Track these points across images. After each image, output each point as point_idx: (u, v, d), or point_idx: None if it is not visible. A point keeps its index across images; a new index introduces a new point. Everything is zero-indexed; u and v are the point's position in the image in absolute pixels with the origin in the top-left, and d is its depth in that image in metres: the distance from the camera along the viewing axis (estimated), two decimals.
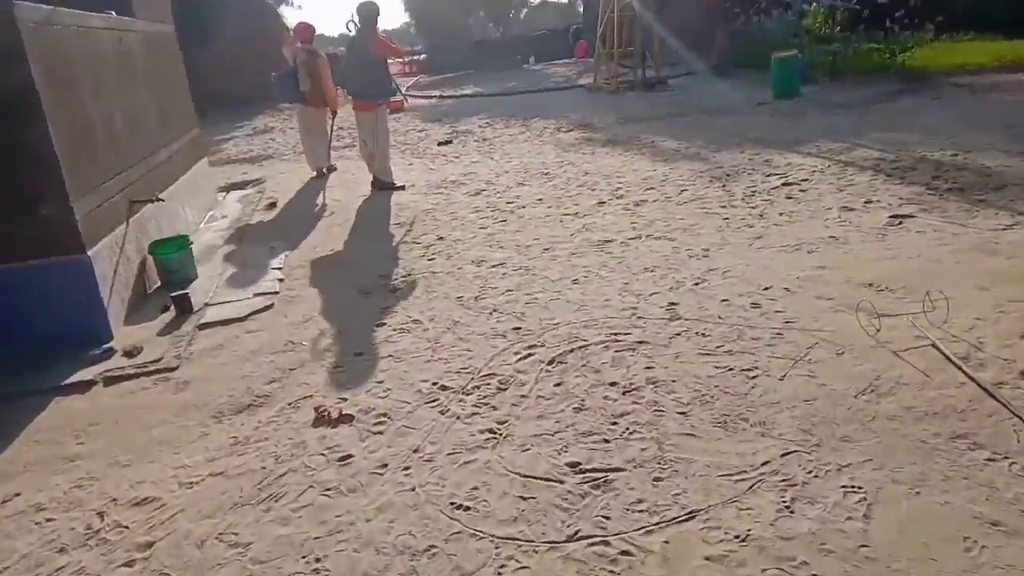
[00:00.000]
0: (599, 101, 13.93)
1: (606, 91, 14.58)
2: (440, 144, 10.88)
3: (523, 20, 50.00)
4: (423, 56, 38.15)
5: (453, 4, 35.07)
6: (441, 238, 5.77)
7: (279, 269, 5.26)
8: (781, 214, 5.39)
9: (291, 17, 29.59)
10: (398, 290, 4.65)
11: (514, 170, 8.30)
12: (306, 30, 9.29)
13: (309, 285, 4.91)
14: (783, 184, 6.22)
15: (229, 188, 8.93)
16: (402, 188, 8.03)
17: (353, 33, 8.07)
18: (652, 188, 6.65)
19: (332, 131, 9.35)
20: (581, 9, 39.18)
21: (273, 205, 7.70)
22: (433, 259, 5.22)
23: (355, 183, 8.48)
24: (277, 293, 4.77)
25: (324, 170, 9.26)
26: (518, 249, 5.20)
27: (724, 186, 6.41)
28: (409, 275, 4.92)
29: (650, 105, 12.52)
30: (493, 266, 4.89)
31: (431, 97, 19.09)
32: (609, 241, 5.16)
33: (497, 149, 9.95)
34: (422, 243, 5.69)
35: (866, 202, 5.45)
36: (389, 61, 8.38)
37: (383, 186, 7.99)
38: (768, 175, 6.64)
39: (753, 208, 5.64)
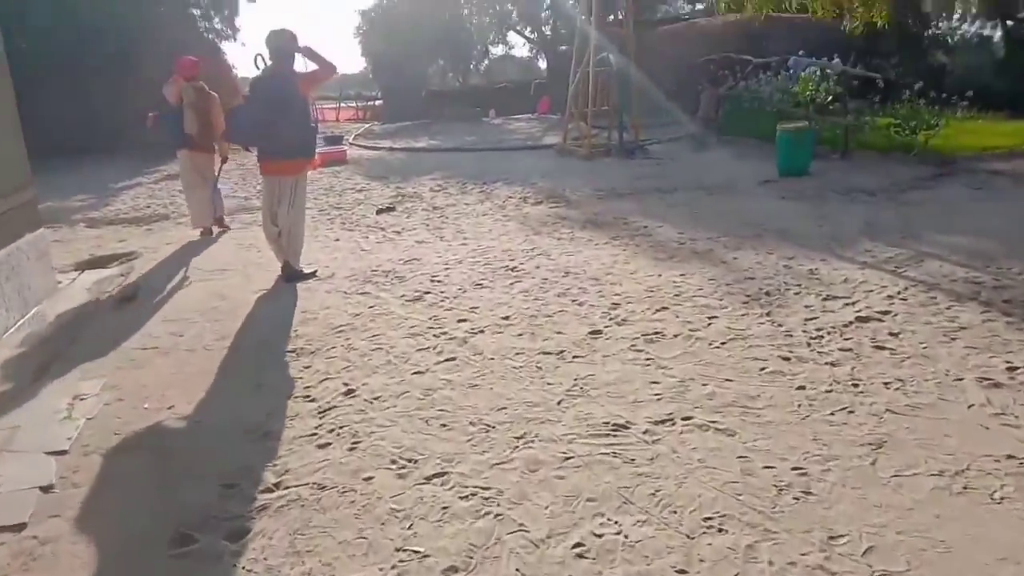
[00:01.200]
0: (570, 166, 12.13)
1: (577, 155, 12.83)
2: (380, 212, 8.82)
3: (483, 72, 48.93)
4: (379, 102, 36.51)
5: (412, 51, 33.48)
6: (350, 391, 3.64)
7: (57, 453, 3.03)
8: (887, 384, 3.44)
9: (232, 53, 27.50)
10: (243, 536, 2.49)
11: (471, 259, 6.28)
12: (191, 66, 7.58)
13: (82, 513, 2.69)
14: (857, 319, 4.32)
15: (87, 266, 6.65)
16: (313, 275, 5.93)
17: (260, 72, 6.02)
18: (664, 308, 4.69)
19: (218, 177, 8.22)
20: (544, 64, 38.31)
21: (129, 299, 5.48)
22: (327, 446, 3.09)
23: (256, 267, 6.32)
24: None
25: (212, 229, 7.97)
26: (471, 437, 3.10)
27: (769, 314, 4.49)
28: (276, 486, 2.78)
29: (631, 175, 10.75)
30: (427, 480, 2.78)
31: (379, 148, 17.13)
32: (623, 427, 3.12)
33: (450, 223, 7.94)
34: (318, 401, 3.55)
35: (1009, 367, 3.56)
36: (314, 102, 6.39)
37: (292, 276, 5.86)
38: (825, 297, 4.76)
39: (833, 365, 3.69)
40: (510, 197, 9.47)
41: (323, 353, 4.21)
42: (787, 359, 3.80)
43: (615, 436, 3.04)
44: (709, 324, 4.36)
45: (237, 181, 12.16)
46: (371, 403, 3.49)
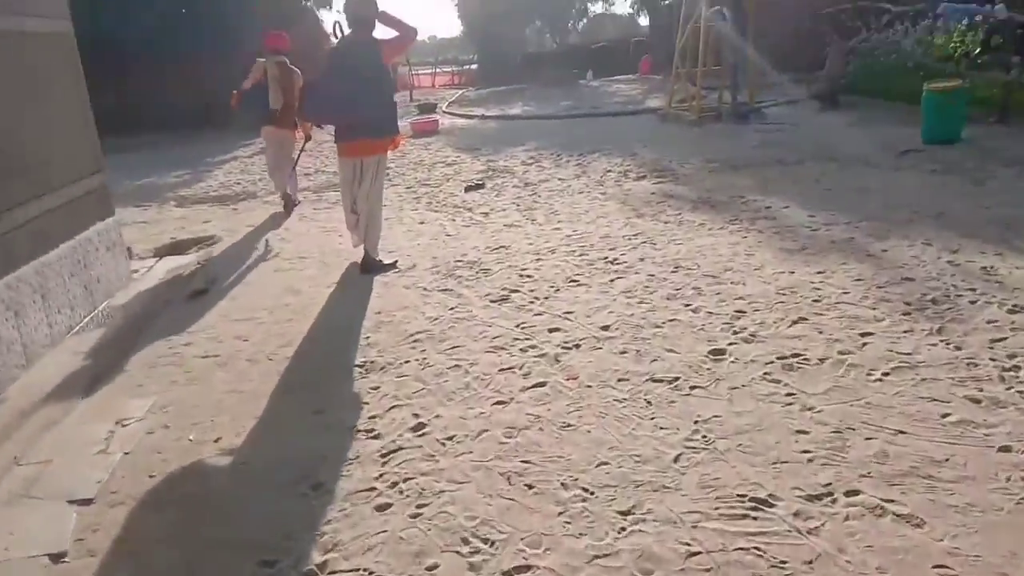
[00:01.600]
0: (677, 134, 11.08)
1: (684, 120, 11.73)
2: (468, 189, 8.22)
3: (580, 32, 47.20)
4: (475, 66, 35.91)
5: (509, 13, 32.63)
6: (420, 425, 3.06)
7: (81, 503, 2.61)
8: None
9: (329, 21, 27.52)
10: None
11: (564, 248, 5.57)
12: (278, 39, 7.34)
13: None
14: None
15: (167, 251, 6.42)
16: (393, 266, 5.42)
17: (337, 41, 5.50)
18: (802, 319, 3.83)
19: (298, 159, 8.16)
20: (644, 22, 36.37)
21: (202, 292, 5.14)
22: (386, 509, 2.51)
23: (334, 255, 5.87)
24: None
25: (290, 201, 7.87)
26: (564, 509, 2.41)
27: (940, 331, 3.54)
28: (320, 568, 2.23)
29: (747, 143, 9.62)
30: None
31: (472, 117, 16.53)
32: (764, 505, 2.35)
33: (542, 203, 7.23)
34: (383, 438, 2.99)
35: None
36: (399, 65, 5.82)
37: (370, 267, 5.37)
38: (1012, 308, 3.74)
39: None
40: (609, 171, 8.63)
41: (394, 369, 3.65)
42: (977, 401, 2.90)
43: (754, 519, 2.29)
44: (863, 345, 3.48)
45: (328, 154, 11.89)
46: (443, 444, 2.89)
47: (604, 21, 50.67)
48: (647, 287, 4.53)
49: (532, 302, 4.44)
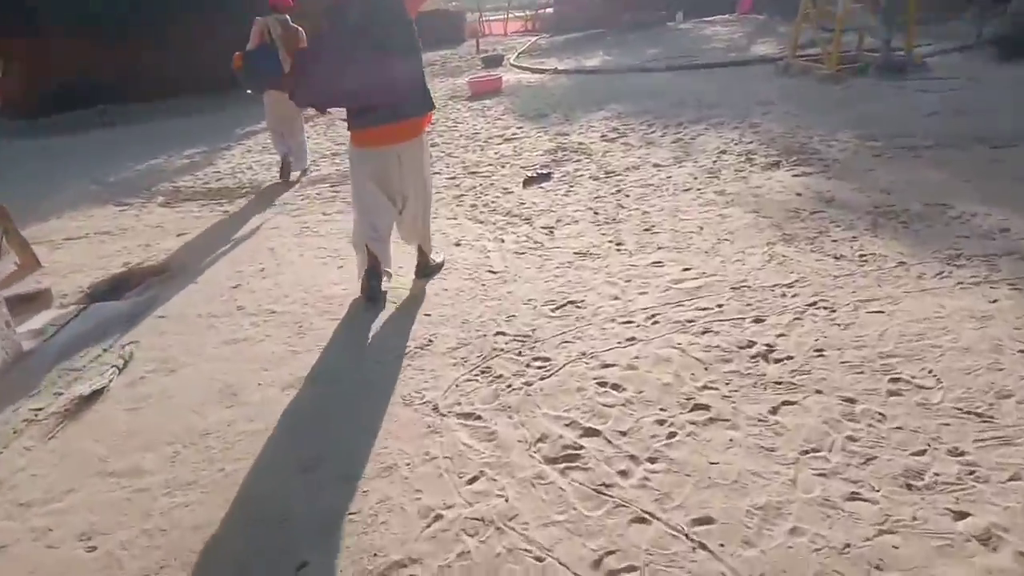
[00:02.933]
0: (808, 94, 8.41)
1: (816, 74, 9.04)
2: (528, 182, 6.07)
3: None
4: (550, 10, 32.96)
5: None
6: None
7: None
8: None
9: None
10: None
11: (673, 311, 3.39)
12: None
13: None
14: None
15: (107, 289, 4.62)
16: (442, 266, 4.13)
17: None
18: None
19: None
20: None
21: (93, 398, 3.26)
22: None
23: (323, 304, 3.88)
24: None
25: (288, 167, 7.07)
26: None
27: None
28: None
29: (917, 110, 6.95)
30: None
31: (543, 71, 14.12)
32: None
33: (631, 209, 5.00)
34: None
35: None
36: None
37: (428, 271, 4.23)
38: None
39: None
40: (723, 152, 6.27)
41: None
42: None
43: None
44: None
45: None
46: None
47: None
48: (849, 444, 2.33)
49: (621, 474, 2.32)
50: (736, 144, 6.47)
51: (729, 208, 4.79)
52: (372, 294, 3.89)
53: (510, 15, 34.76)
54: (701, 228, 4.48)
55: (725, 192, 5.14)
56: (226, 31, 13.85)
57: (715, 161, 6.02)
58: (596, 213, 5.04)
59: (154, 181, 7.90)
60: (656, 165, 6.15)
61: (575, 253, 4.32)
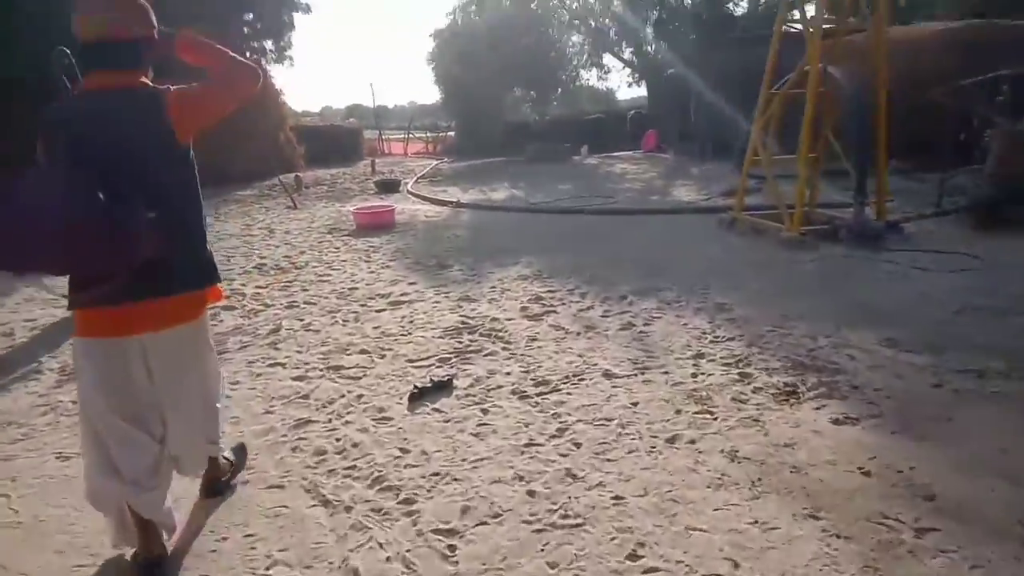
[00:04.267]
0: (773, 263, 6.73)
1: (773, 234, 7.55)
2: (415, 397, 3.86)
3: (556, 104, 43.12)
4: (451, 133, 32.29)
5: (488, 76, 28.92)
6: None
7: None
8: None
9: (281, 78, 23.78)
10: None
11: None
12: None
13: None
14: None
15: None
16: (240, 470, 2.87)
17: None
18: None
19: None
20: (627, 95, 33.18)
21: None
22: None
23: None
24: None
25: None
26: None
27: None
28: None
29: (934, 301, 5.32)
30: None
31: (444, 204, 12.35)
32: None
33: (588, 488, 2.85)
34: None
35: None
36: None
37: (219, 486, 2.83)
38: None
39: None
40: (699, 356, 4.35)
41: None
42: None
43: None
44: None
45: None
46: None
47: (580, 94, 47.35)
48: None
49: None
50: (712, 342, 4.60)
51: (763, 502, 2.75)
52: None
53: (411, 135, 33.89)
54: (736, 565, 2.38)
55: (738, 455, 3.13)
56: None
57: (695, 375, 4.08)
58: (531, 496, 2.86)
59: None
60: (608, 374, 4.13)
61: None
